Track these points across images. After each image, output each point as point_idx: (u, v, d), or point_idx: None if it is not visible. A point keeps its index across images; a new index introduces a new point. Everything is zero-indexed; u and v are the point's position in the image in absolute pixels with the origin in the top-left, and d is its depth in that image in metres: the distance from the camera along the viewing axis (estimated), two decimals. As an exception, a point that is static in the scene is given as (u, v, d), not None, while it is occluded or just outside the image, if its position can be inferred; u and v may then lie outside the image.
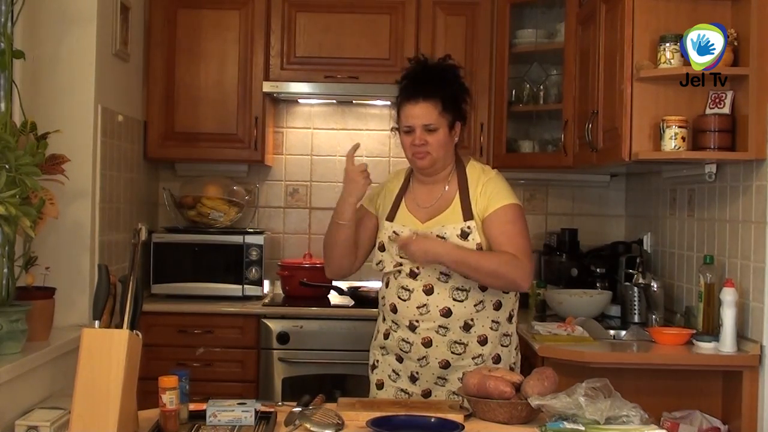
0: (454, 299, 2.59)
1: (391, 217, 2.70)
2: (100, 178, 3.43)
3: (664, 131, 3.02)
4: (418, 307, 2.60)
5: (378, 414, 2.12)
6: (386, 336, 2.70)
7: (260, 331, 3.93)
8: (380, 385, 2.72)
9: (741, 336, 2.99)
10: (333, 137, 4.61)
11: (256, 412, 2.13)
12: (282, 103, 4.56)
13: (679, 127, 3.00)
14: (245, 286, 4.12)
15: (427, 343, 2.60)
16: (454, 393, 2.56)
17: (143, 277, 4.01)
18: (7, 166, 2.49)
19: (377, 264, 2.70)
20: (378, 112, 4.58)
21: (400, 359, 2.68)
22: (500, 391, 2.18)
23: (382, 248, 2.69)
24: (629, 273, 3.87)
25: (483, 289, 2.61)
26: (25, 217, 2.52)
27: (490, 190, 2.65)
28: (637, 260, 3.85)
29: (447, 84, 2.65)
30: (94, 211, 3.37)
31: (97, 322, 2.06)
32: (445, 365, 2.61)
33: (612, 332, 3.53)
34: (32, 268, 2.85)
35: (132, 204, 3.99)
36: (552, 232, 4.45)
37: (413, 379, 2.65)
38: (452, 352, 2.61)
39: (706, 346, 3.01)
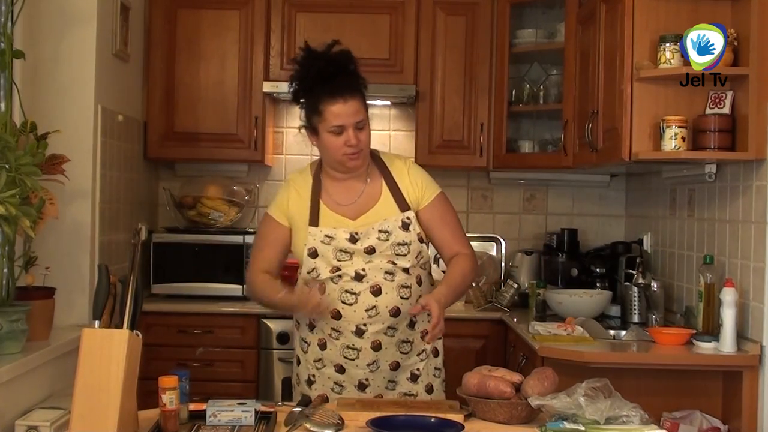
0: (401, 297, 2.50)
1: (314, 222, 2.54)
2: (100, 178, 3.43)
3: (664, 131, 3.02)
4: (366, 310, 2.47)
5: (378, 414, 2.12)
6: (322, 347, 2.55)
7: (260, 331, 3.94)
8: (324, 401, 2.48)
9: (741, 336, 2.99)
10: (333, 137, 4.61)
11: (256, 412, 2.13)
12: (282, 103, 4.56)
13: (679, 127, 3.00)
14: (245, 286, 4.11)
15: (377, 347, 2.50)
16: (406, 394, 2.56)
17: (143, 277, 4.01)
18: (7, 166, 2.50)
19: (309, 272, 2.52)
20: (378, 112, 4.57)
21: (341, 370, 2.54)
22: (500, 391, 2.18)
23: (314, 255, 2.51)
24: (629, 273, 3.87)
25: (420, 283, 2.56)
26: (25, 217, 2.52)
27: (419, 180, 2.60)
28: (637, 260, 3.85)
29: (357, 75, 2.54)
30: (94, 211, 3.37)
31: (97, 322, 2.06)
32: (395, 367, 2.54)
33: (612, 332, 3.53)
34: (32, 268, 2.85)
35: (132, 204, 3.99)
36: (552, 232, 4.45)
37: (362, 386, 2.53)
38: (401, 352, 2.54)
39: (706, 346, 3.01)
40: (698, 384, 3.08)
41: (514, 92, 4.29)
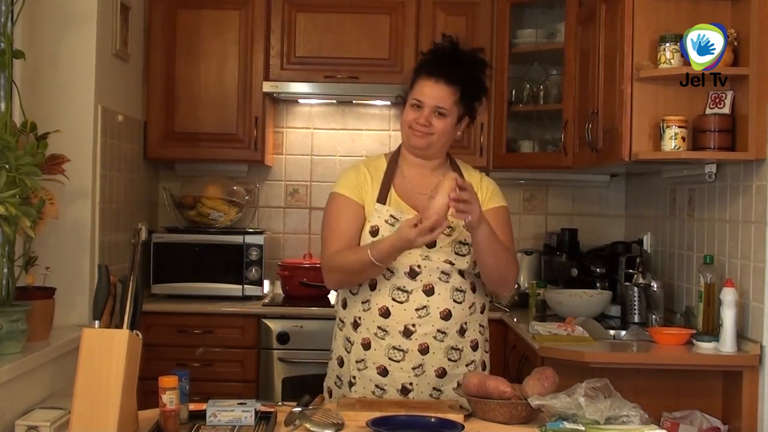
0: (454, 300, 2.45)
1: (383, 200, 2.49)
2: (100, 178, 3.43)
3: (664, 131, 3.02)
4: (416, 310, 2.42)
5: (378, 414, 2.12)
6: (366, 346, 2.48)
7: (260, 331, 3.93)
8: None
9: (741, 336, 2.99)
10: (333, 137, 4.62)
11: (256, 412, 2.13)
12: (282, 103, 4.56)
13: (679, 127, 3.00)
14: (245, 286, 4.12)
15: (424, 350, 2.43)
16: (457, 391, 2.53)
17: (143, 277, 4.01)
18: (7, 166, 2.49)
19: None
20: (378, 112, 4.58)
21: (384, 372, 2.46)
22: (500, 391, 2.18)
23: (375, 233, 2.45)
24: (629, 273, 3.87)
25: (474, 290, 2.51)
26: (25, 217, 2.52)
27: (491, 187, 2.58)
28: (637, 260, 3.85)
29: (473, 76, 2.50)
30: (94, 211, 3.37)
31: (97, 322, 2.06)
32: (442, 374, 2.46)
33: (612, 332, 3.53)
34: (32, 268, 2.85)
35: (132, 204, 3.99)
36: (552, 232, 4.45)
37: (405, 391, 2.45)
38: (449, 359, 2.46)
39: (706, 346, 3.01)
40: (698, 384, 3.08)
41: (514, 92, 4.29)
